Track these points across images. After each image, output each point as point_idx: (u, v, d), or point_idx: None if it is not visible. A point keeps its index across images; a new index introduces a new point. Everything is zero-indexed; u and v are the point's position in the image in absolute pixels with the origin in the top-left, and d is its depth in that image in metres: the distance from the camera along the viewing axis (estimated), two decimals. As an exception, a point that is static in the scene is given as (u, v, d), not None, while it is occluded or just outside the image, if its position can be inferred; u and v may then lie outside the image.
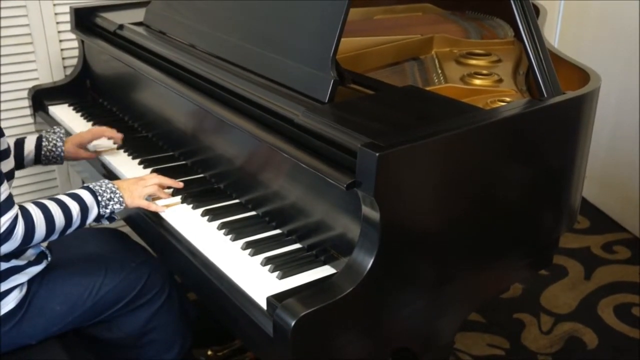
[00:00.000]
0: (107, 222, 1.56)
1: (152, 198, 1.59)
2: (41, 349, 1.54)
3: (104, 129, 1.87)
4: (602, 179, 3.19)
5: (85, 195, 1.49)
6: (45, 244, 1.56)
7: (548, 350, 2.31)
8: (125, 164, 1.81)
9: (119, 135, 1.87)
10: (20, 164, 1.76)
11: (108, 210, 1.51)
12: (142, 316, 1.66)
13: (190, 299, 1.87)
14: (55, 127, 1.85)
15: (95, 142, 1.88)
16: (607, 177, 3.17)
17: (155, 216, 1.58)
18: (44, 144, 1.79)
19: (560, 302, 2.57)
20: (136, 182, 1.58)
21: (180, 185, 1.63)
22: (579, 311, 2.52)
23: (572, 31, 3.33)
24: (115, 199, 1.52)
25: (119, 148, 1.90)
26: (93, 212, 1.49)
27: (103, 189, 1.52)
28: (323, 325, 1.16)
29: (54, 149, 1.79)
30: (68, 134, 1.94)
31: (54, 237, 1.45)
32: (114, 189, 1.53)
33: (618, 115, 3.04)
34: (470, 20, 2.25)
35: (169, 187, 1.63)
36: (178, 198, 1.62)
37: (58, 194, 1.49)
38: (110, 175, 1.80)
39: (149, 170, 1.76)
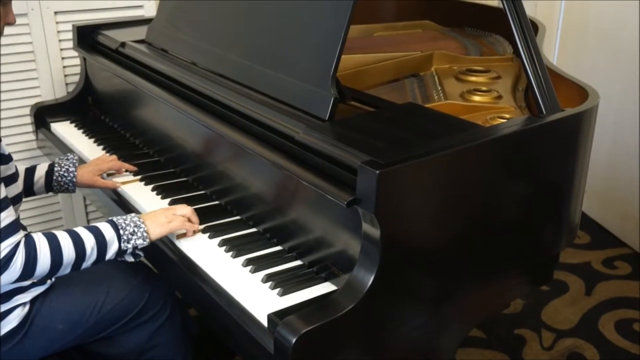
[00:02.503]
0: (132, 259, 1.49)
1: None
2: (42, 366, 1.55)
3: (124, 164, 1.86)
4: (603, 194, 3.20)
5: (106, 228, 1.43)
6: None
7: (549, 366, 2.31)
8: (126, 180, 1.82)
9: (134, 169, 1.87)
10: (29, 190, 1.75)
11: (130, 245, 1.44)
12: (144, 333, 1.65)
13: (192, 314, 1.87)
14: (68, 154, 1.82)
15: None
16: (607, 192, 3.18)
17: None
18: (55, 169, 1.76)
19: (561, 318, 2.57)
20: (163, 213, 1.51)
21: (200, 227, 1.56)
22: (580, 327, 2.52)
23: (571, 48, 3.35)
24: (139, 234, 1.45)
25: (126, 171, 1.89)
26: (113, 247, 1.42)
27: (127, 222, 1.45)
28: (324, 342, 1.16)
29: (66, 174, 1.76)
30: (82, 161, 1.93)
31: (64, 271, 1.38)
32: (139, 223, 1.46)
33: (617, 131, 3.05)
34: (469, 37, 2.27)
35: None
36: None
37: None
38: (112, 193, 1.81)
39: (150, 187, 1.77)
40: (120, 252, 1.44)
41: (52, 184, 1.77)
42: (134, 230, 1.44)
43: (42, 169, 1.76)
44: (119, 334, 1.63)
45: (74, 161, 1.79)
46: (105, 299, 1.57)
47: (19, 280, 1.32)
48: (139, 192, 1.76)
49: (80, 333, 1.56)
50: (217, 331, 1.43)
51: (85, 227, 1.43)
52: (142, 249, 1.48)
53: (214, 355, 2.13)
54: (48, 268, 1.35)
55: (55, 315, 1.52)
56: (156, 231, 1.48)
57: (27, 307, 1.50)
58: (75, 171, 1.77)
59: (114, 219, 1.46)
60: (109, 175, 1.86)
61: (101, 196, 1.87)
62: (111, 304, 1.57)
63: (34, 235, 1.35)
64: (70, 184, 1.78)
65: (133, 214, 1.49)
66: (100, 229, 1.42)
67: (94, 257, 1.41)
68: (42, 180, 1.75)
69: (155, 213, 1.52)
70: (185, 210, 1.54)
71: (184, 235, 1.53)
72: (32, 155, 2.41)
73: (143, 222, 1.46)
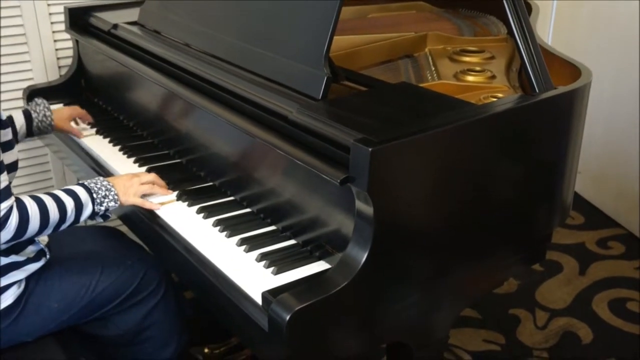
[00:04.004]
0: (101, 220, 1.57)
1: (146, 196, 1.60)
2: (38, 346, 1.55)
3: (80, 109, 2.04)
4: (597, 175, 3.21)
5: (81, 192, 1.49)
6: (44, 242, 1.56)
7: (543, 345, 2.32)
8: (120, 163, 1.82)
9: (88, 117, 2.05)
10: (14, 139, 1.77)
11: (102, 208, 1.52)
12: (138, 314, 1.66)
13: (187, 297, 1.87)
14: (36, 99, 1.95)
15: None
16: (601, 173, 3.19)
17: (151, 214, 1.58)
18: (33, 115, 1.89)
19: (556, 298, 2.58)
20: (130, 179, 1.58)
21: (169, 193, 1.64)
22: (574, 306, 2.54)
23: (566, 28, 3.34)
24: (110, 197, 1.53)
25: (114, 146, 1.92)
26: (87, 210, 1.50)
27: (98, 186, 1.52)
28: (318, 319, 1.17)
29: (44, 119, 1.90)
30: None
31: (47, 232, 1.45)
32: (109, 186, 1.54)
33: (612, 111, 3.06)
34: (463, 18, 2.26)
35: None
36: (173, 195, 1.62)
37: (54, 188, 1.50)
38: (106, 174, 1.81)
39: (144, 168, 1.77)
40: (94, 214, 1.51)
41: (32, 129, 1.90)
42: (105, 194, 1.52)
43: (21, 117, 1.87)
44: (113, 315, 1.64)
45: (46, 104, 1.94)
46: (99, 279, 1.58)
47: (11, 240, 1.39)
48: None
49: (75, 312, 1.57)
50: (212, 311, 1.43)
51: (62, 190, 1.49)
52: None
53: (210, 336, 2.14)
54: (37, 229, 1.42)
55: (50, 293, 1.54)
56: (126, 195, 1.56)
57: (22, 285, 1.51)
58: (52, 115, 1.93)
59: (86, 182, 1.53)
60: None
61: (88, 172, 1.89)
62: (105, 283, 1.59)
63: (23, 198, 1.41)
64: (50, 127, 1.93)
65: (102, 178, 1.56)
66: (76, 192, 1.49)
67: (72, 218, 1.48)
68: (24, 128, 1.87)
69: (123, 178, 1.59)
70: (150, 177, 1.61)
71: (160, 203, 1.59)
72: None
73: (113, 186, 1.54)
